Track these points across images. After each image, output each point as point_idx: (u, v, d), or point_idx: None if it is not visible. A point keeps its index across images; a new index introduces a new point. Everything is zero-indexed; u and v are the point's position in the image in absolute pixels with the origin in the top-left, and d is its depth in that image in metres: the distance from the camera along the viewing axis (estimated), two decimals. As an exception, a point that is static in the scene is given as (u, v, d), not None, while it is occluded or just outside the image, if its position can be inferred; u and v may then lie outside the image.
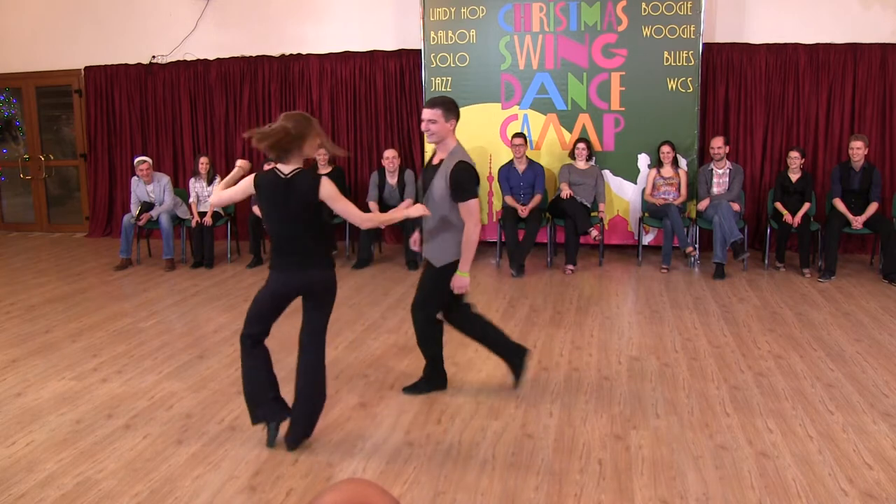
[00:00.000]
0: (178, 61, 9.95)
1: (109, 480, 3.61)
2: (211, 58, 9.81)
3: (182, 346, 5.63)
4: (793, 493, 3.39)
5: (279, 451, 3.90)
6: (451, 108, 4.20)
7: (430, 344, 4.55)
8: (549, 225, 8.25)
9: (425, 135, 4.24)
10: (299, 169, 3.80)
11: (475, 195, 4.17)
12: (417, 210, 4.06)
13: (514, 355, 4.62)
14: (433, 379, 4.66)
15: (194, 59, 9.89)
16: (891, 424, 4.10)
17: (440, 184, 4.18)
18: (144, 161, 8.40)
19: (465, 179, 4.12)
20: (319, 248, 3.91)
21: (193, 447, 3.96)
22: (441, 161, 4.23)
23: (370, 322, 6.15)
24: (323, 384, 3.97)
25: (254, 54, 9.70)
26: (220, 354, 5.41)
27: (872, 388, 4.62)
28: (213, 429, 4.18)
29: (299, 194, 3.75)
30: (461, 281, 4.28)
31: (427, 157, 8.74)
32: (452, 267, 4.29)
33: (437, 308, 4.47)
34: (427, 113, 4.18)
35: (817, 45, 8.31)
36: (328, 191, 3.81)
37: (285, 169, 3.78)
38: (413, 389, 4.64)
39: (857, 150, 7.43)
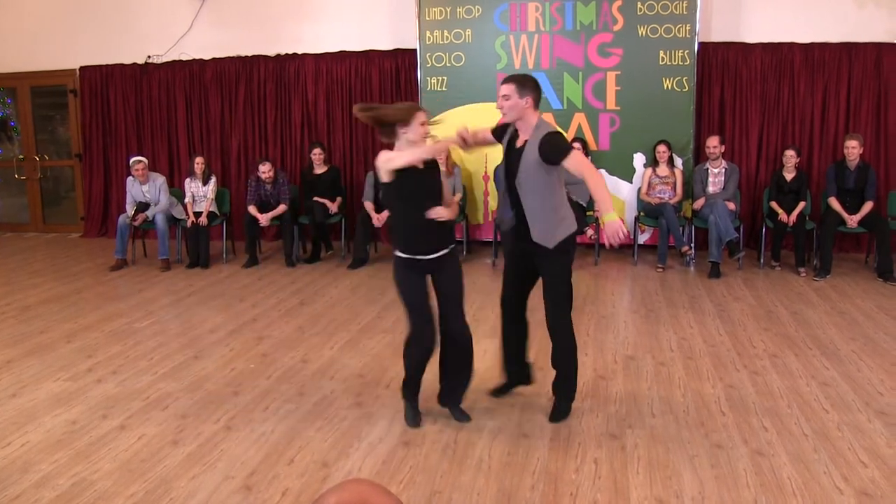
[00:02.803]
0: (174, 61, 9.93)
1: (105, 481, 3.61)
2: (206, 57, 9.80)
3: (177, 346, 5.63)
4: (788, 492, 3.40)
5: (274, 450, 3.90)
6: (525, 84, 3.91)
7: (575, 356, 4.24)
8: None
9: (500, 112, 3.98)
10: None
11: (570, 147, 3.84)
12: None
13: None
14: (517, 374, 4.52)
15: (190, 58, 9.87)
16: (886, 423, 4.10)
17: (530, 164, 3.90)
18: (140, 161, 8.38)
19: (555, 141, 3.86)
20: None
21: (189, 447, 3.96)
22: (525, 143, 3.95)
23: (366, 322, 6.14)
24: None
25: (249, 54, 9.68)
26: (216, 355, 5.40)
27: (867, 386, 4.62)
28: (208, 429, 4.18)
29: None
30: (614, 226, 3.74)
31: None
32: (570, 242, 4.03)
33: (571, 300, 4.12)
34: (501, 88, 3.94)
35: (812, 44, 8.32)
36: None
37: None
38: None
39: (853, 149, 7.44)
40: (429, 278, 4.00)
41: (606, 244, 3.97)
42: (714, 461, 3.71)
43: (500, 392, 4.52)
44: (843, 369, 4.92)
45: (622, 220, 3.83)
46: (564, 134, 3.95)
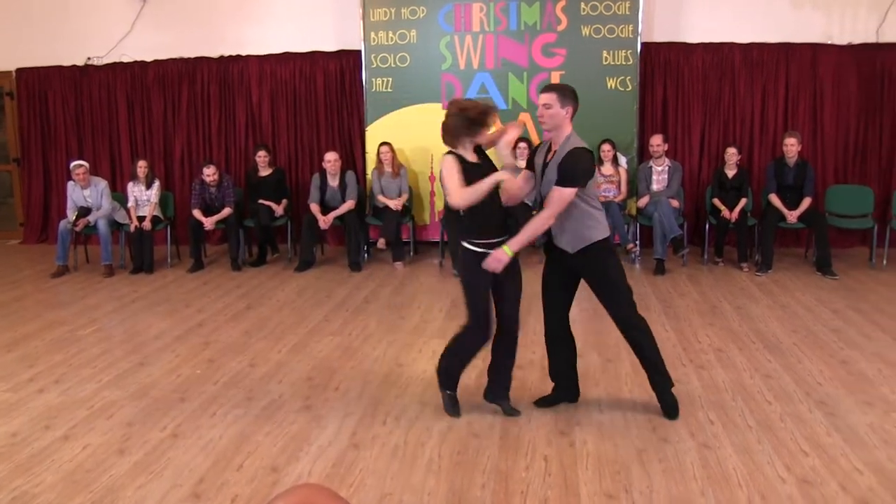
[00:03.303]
0: (115, 63, 9.72)
1: (48, 494, 3.52)
2: (148, 59, 9.62)
3: (122, 353, 5.52)
4: (734, 483, 3.47)
5: (223, 456, 3.85)
6: (567, 94, 3.91)
7: (651, 341, 4.22)
8: (493, 224, 8.27)
9: (540, 121, 3.98)
10: None
11: (574, 185, 3.85)
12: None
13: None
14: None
15: (131, 60, 9.68)
16: (825, 412, 4.21)
17: (555, 177, 3.91)
18: (81, 165, 8.20)
19: (569, 166, 3.84)
20: None
21: (135, 456, 3.89)
22: (554, 153, 3.97)
23: (313, 324, 6.10)
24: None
25: (192, 55, 9.54)
26: (162, 361, 5.32)
27: (808, 377, 4.74)
28: (155, 437, 4.11)
29: None
30: (504, 258, 3.90)
31: (371, 158, 8.71)
32: (603, 245, 4.05)
33: (630, 294, 4.22)
34: (542, 97, 3.93)
35: (751, 44, 8.50)
36: None
37: None
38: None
39: (791, 146, 7.62)
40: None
41: (489, 266, 3.98)
42: (662, 455, 3.77)
43: (543, 402, 4.42)
44: (785, 361, 5.03)
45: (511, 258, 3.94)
46: (590, 153, 3.94)
